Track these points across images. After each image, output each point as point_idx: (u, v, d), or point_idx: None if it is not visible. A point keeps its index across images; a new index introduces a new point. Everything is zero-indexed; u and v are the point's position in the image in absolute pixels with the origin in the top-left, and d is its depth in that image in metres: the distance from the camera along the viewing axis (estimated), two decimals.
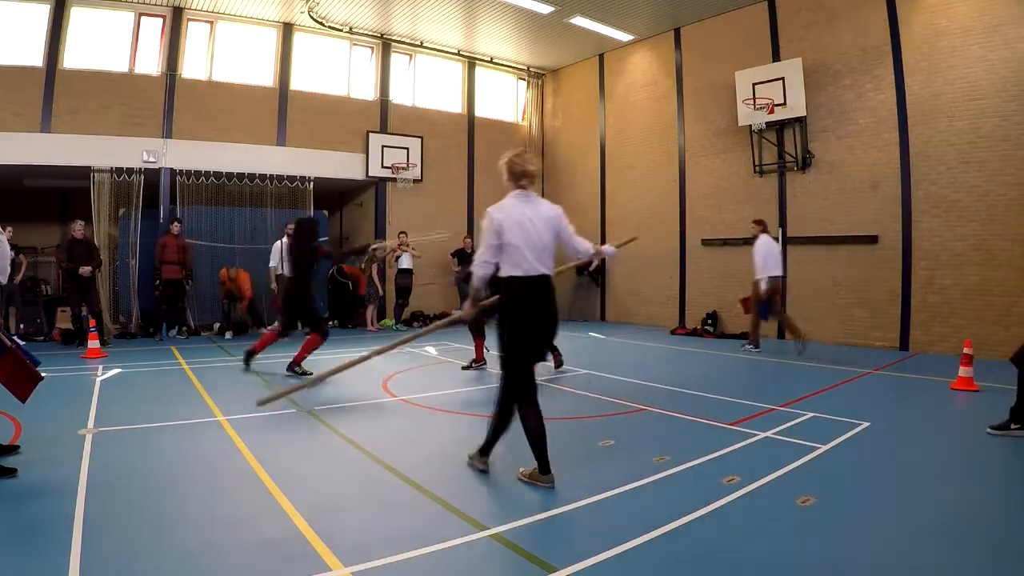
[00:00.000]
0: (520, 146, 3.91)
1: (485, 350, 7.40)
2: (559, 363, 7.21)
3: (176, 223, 10.21)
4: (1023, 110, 7.82)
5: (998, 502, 3.37)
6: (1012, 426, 4.48)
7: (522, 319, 3.50)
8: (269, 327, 8.41)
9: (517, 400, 3.59)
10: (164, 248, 10.02)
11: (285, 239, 10.06)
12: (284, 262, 9.88)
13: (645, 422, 5.08)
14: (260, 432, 4.65)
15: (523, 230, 3.45)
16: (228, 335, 10.59)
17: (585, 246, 3.70)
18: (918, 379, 6.87)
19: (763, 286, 8.58)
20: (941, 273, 8.54)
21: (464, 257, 12.74)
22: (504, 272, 3.50)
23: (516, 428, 3.60)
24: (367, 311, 11.69)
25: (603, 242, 13.42)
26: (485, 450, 3.78)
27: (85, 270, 8.92)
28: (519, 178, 3.58)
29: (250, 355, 7.28)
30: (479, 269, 3.55)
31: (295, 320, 7.17)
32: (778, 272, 8.67)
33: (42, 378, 3.98)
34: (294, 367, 6.93)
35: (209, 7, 10.81)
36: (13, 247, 9.06)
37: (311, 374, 6.61)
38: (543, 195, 14.80)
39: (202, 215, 10.98)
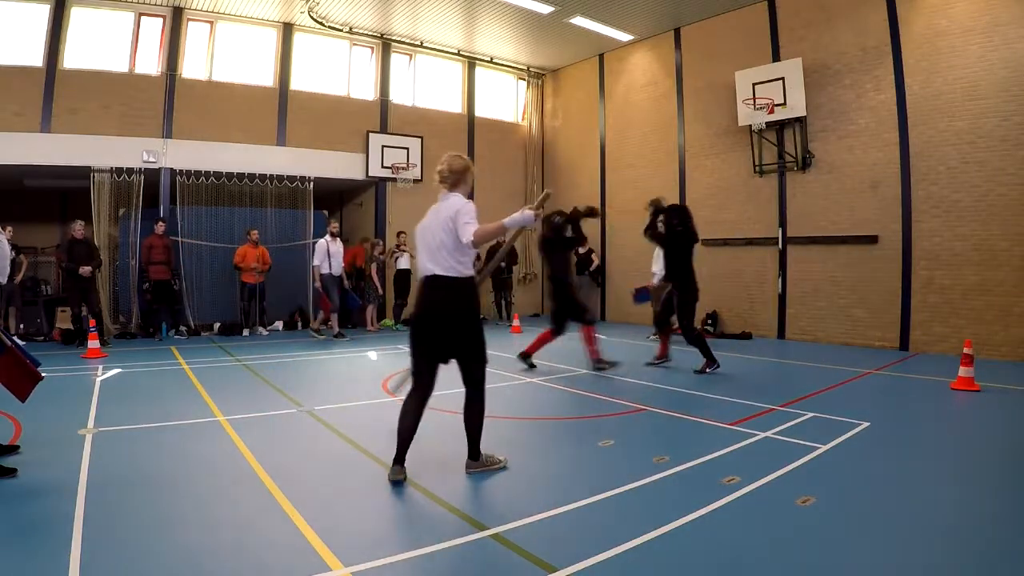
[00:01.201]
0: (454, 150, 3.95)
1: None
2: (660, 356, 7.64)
3: (160, 223, 10.21)
4: (1023, 110, 7.83)
5: (998, 502, 3.37)
6: None
7: (413, 316, 3.69)
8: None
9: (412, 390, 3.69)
10: (151, 249, 10.03)
11: (328, 237, 10.25)
12: (329, 260, 10.11)
13: (645, 422, 5.08)
14: (260, 432, 4.66)
15: (421, 235, 3.66)
16: (245, 332, 10.75)
17: (467, 235, 3.48)
18: (918, 379, 6.86)
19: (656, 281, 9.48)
20: (941, 273, 8.54)
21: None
22: None
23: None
24: (367, 311, 11.69)
25: (603, 245, 13.43)
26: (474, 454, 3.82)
27: (85, 270, 8.93)
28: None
29: (525, 357, 7.36)
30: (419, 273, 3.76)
31: (568, 317, 7.15)
32: None
33: (42, 378, 3.98)
34: (527, 358, 7.28)
35: (209, 7, 10.81)
36: (13, 247, 9.07)
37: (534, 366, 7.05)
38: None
39: (202, 215, 10.98)
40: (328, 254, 10.15)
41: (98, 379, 6.64)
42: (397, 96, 13.18)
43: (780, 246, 10.34)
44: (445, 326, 3.53)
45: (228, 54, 11.42)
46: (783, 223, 10.32)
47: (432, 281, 3.54)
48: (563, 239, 7.25)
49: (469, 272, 3.60)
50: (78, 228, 9.12)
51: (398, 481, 3.52)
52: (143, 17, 10.62)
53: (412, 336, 3.66)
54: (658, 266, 9.56)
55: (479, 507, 3.23)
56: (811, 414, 5.14)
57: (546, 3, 10.84)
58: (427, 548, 2.72)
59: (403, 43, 13.02)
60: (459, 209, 3.55)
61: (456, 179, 3.72)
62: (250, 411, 5.28)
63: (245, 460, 3.96)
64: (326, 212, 12.79)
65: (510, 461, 3.93)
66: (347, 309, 12.11)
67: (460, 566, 2.65)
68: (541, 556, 2.65)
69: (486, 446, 3.89)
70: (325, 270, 10.11)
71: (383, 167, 12.57)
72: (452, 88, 14.12)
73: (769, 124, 10.17)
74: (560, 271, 7.22)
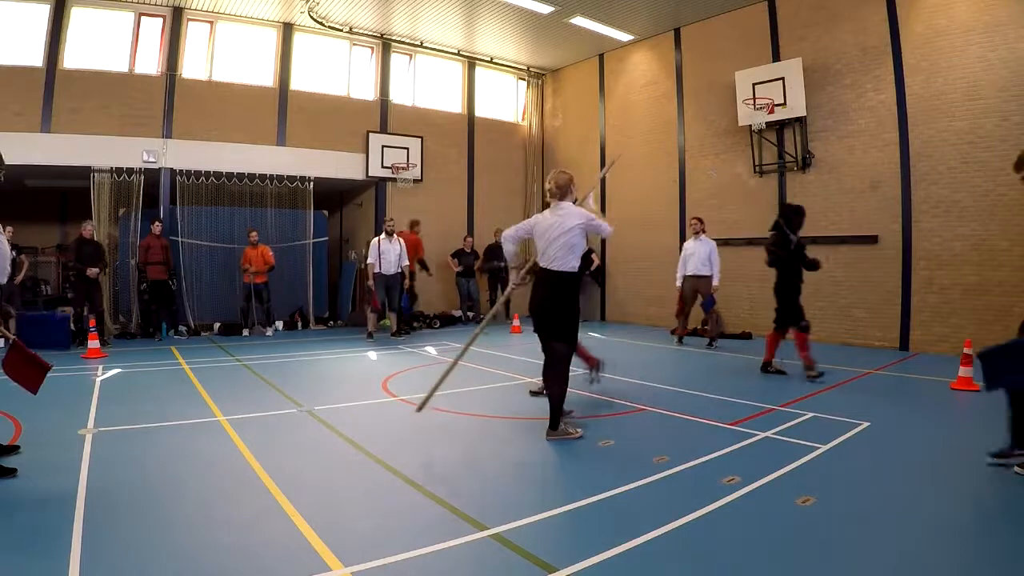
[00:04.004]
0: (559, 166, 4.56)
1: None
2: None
3: (157, 223, 10.18)
4: (1023, 110, 7.82)
5: (998, 502, 3.37)
6: (1016, 452, 3.83)
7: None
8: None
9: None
10: (148, 249, 10.00)
11: (383, 235, 10.05)
12: (380, 258, 9.89)
13: (645, 422, 5.08)
14: (260, 432, 4.66)
15: (545, 234, 4.45)
16: (245, 332, 10.74)
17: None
18: (918, 379, 6.86)
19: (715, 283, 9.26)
20: (941, 273, 8.53)
21: (464, 256, 12.79)
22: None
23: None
24: (367, 311, 11.68)
25: (603, 245, 13.43)
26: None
27: (92, 272, 8.89)
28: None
29: (767, 366, 6.97)
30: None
31: (789, 317, 6.73)
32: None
33: (50, 367, 3.97)
34: (769, 366, 6.88)
35: (209, 7, 10.80)
36: (14, 247, 9.07)
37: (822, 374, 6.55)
38: (542, 197, 14.92)
39: (202, 215, 10.98)
40: (379, 252, 9.88)
41: (98, 379, 6.64)
42: (397, 96, 13.17)
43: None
44: (547, 310, 4.40)
45: (228, 54, 11.41)
46: None
47: (550, 275, 4.37)
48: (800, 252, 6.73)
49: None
50: (88, 228, 9.14)
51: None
52: (143, 17, 10.61)
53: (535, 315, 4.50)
54: (697, 267, 9.25)
55: (479, 507, 3.23)
56: (811, 414, 5.14)
57: (546, 3, 10.83)
58: (427, 548, 2.72)
59: (403, 43, 13.02)
60: (583, 215, 4.41)
61: (563, 191, 4.45)
62: (250, 411, 5.28)
63: (245, 460, 3.96)
64: (326, 212, 12.80)
65: (509, 461, 3.93)
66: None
67: (460, 566, 2.65)
68: (541, 556, 2.65)
69: (484, 441, 3.91)
70: (378, 269, 9.86)
71: (383, 167, 12.56)
72: (452, 88, 14.11)
73: (769, 124, 10.16)
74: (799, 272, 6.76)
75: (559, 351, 4.41)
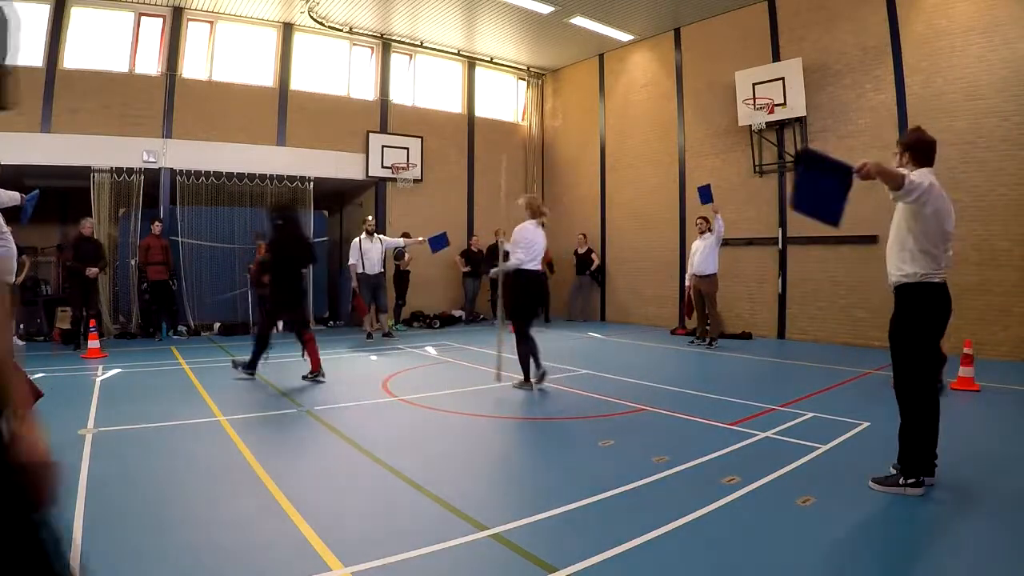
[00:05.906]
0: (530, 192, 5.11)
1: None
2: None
3: (157, 223, 10.16)
4: (1023, 110, 7.83)
5: (997, 502, 3.37)
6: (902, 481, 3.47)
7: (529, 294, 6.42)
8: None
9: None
10: (148, 250, 9.98)
11: (364, 235, 10.02)
12: (362, 258, 9.86)
13: (645, 422, 5.08)
14: (260, 432, 4.66)
15: (536, 244, 6.22)
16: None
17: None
18: None
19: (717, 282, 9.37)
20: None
21: (472, 256, 12.80)
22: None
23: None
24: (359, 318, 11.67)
25: (603, 245, 13.43)
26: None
27: (92, 271, 8.80)
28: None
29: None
30: None
31: None
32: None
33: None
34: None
35: (209, 7, 10.81)
36: (16, 247, 9.01)
37: None
38: (543, 197, 14.97)
39: (202, 215, 10.98)
40: (362, 252, 9.87)
41: (98, 379, 6.64)
42: (397, 96, 13.17)
43: (780, 246, 10.34)
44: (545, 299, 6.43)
45: (228, 54, 11.42)
46: (783, 223, 10.31)
47: (542, 275, 6.41)
48: None
49: None
50: (87, 226, 9.00)
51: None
52: (143, 17, 10.62)
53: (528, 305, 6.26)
54: (699, 267, 9.25)
55: (479, 507, 3.23)
56: (811, 414, 5.14)
57: (546, 3, 10.84)
58: (427, 548, 2.72)
59: (403, 43, 13.02)
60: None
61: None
62: (250, 411, 5.28)
63: (245, 460, 3.96)
64: (326, 212, 12.79)
65: (511, 461, 3.94)
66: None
67: (460, 566, 2.65)
68: (541, 556, 2.65)
69: (483, 441, 3.90)
70: (360, 269, 9.85)
71: (383, 167, 12.57)
72: (452, 88, 14.12)
73: (769, 124, 10.17)
74: None
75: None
